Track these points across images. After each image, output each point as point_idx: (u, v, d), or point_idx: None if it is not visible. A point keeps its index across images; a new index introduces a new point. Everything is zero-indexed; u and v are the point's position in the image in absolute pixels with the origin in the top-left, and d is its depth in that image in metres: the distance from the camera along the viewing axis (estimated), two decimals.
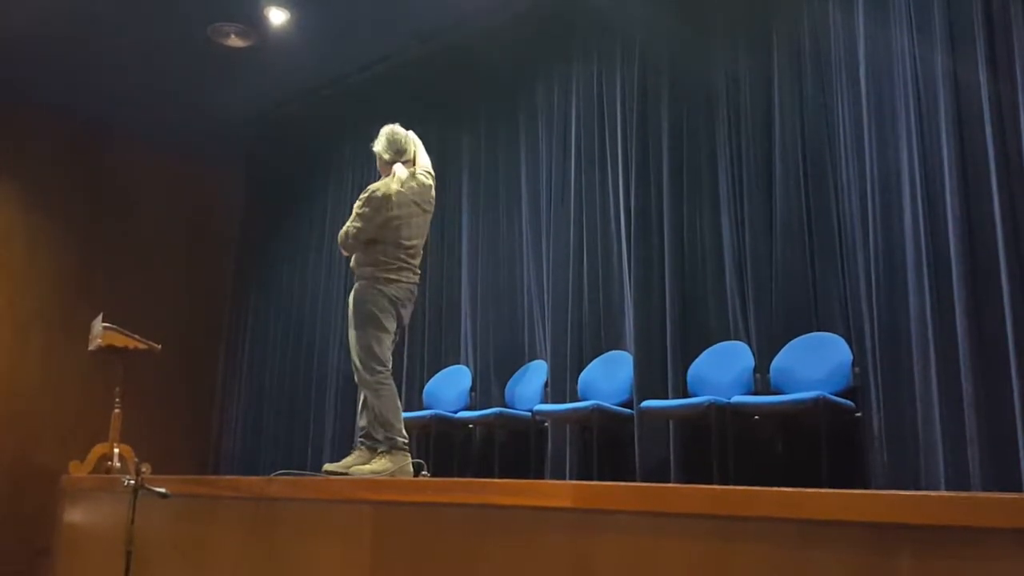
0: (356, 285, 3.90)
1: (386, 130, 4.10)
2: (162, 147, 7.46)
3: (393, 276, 3.88)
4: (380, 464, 3.68)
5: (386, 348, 3.87)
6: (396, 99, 6.27)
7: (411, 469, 3.78)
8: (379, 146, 4.07)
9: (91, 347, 5.67)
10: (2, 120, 6.78)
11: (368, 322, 3.82)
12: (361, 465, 3.72)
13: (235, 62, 6.33)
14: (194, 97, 6.86)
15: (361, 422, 3.87)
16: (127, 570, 3.30)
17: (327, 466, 3.85)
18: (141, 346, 5.53)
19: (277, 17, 5.79)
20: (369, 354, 3.80)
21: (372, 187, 3.95)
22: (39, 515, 5.65)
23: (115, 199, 7.33)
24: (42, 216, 6.96)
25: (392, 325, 3.89)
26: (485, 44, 5.86)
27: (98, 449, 5.49)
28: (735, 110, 4.71)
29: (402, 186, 3.93)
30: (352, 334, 3.86)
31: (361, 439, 3.86)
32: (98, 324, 5.55)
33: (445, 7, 5.68)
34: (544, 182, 5.51)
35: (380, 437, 3.75)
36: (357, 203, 3.92)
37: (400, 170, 3.99)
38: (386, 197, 3.88)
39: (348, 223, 3.91)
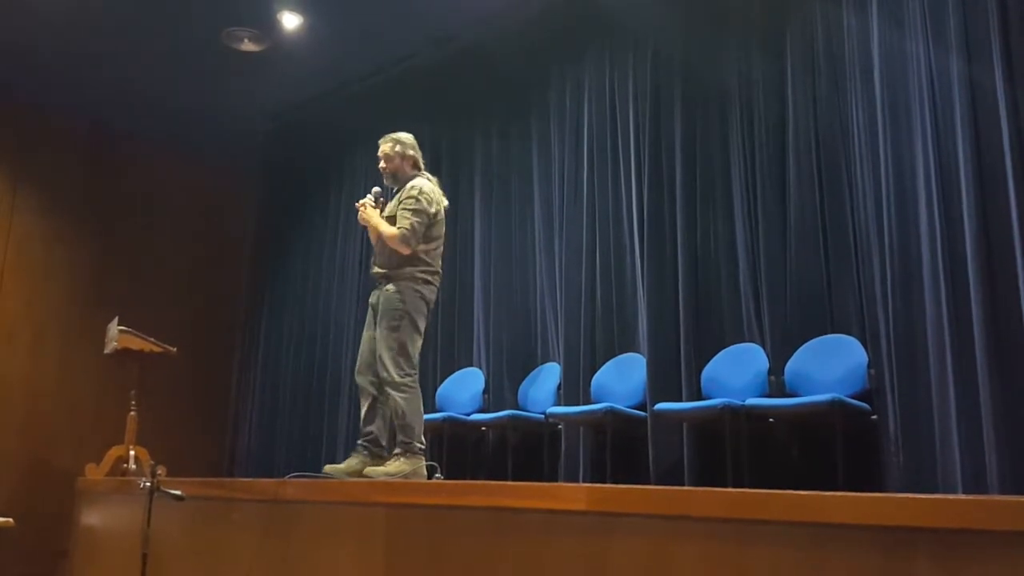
0: (392, 285, 3.87)
1: (399, 134, 4.13)
2: (176, 151, 7.51)
3: (430, 278, 3.95)
4: (395, 466, 3.68)
5: (417, 350, 3.89)
6: (409, 102, 6.28)
7: (425, 472, 3.78)
8: (400, 146, 4.06)
9: (107, 350, 5.70)
10: (19, 125, 6.84)
11: (406, 322, 3.83)
12: (375, 467, 3.72)
13: (249, 66, 6.36)
14: (208, 101, 6.90)
15: (370, 427, 3.88)
16: (143, 572, 3.32)
17: (328, 468, 3.86)
18: (156, 349, 5.55)
19: (290, 21, 5.82)
20: (403, 355, 3.81)
21: (414, 184, 3.97)
22: (56, 517, 5.68)
23: (130, 203, 7.38)
24: (58, 220, 7.02)
25: (423, 327, 3.93)
26: (497, 46, 5.87)
27: (114, 451, 5.51)
28: (748, 111, 4.70)
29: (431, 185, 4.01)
30: (384, 334, 3.81)
31: (366, 443, 3.86)
32: (114, 327, 5.58)
33: (458, 10, 5.69)
34: (556, 184, 5.51)
35: (398, 440, 3.75)
36: (408, 200, 3.90)
37: (422, 174, 4.07)
38: (432, 194, 3.95)
39: (404, 221, 3.85)
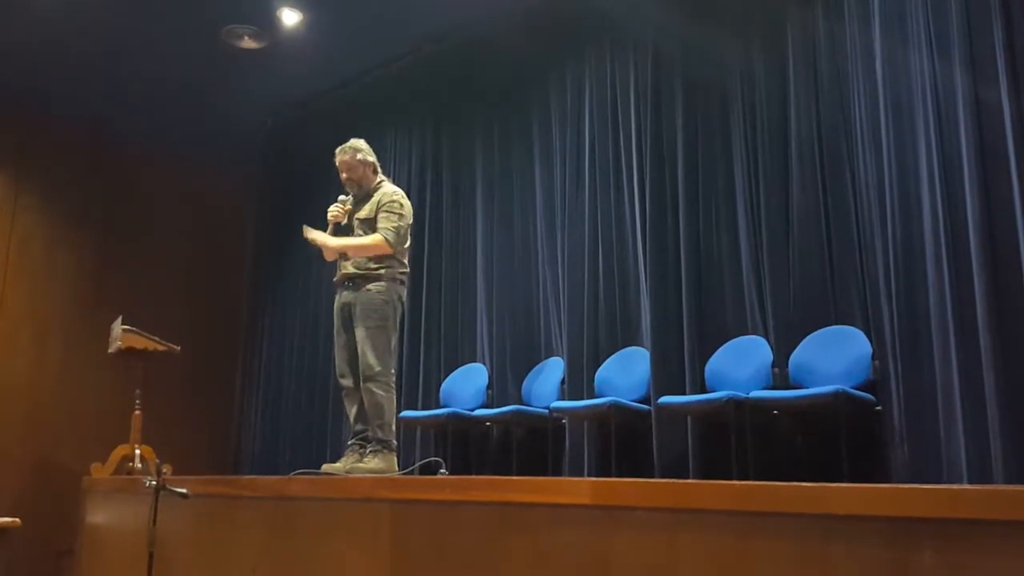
0: (373, 285, 3.96)
1: (355, 141, 4.23)
2: (177, 150, 7.51)
3: (404, 279, 4.10)
4: (375, 464, 3.79)
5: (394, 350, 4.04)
6: (410, 99, 6.28)
7: (396, 469, 3.91)
8: (360, 153, 4.17)
9: (111, 349, 5.72)
10: (20, 126, 6.84)
11: (389, 322, 3.96)
12: (360, 464, 3.80)
13: (249, 64, 6.36)
14: (209, 99, 6.90)
15: (362, 425, 3.95)
16: (149, 570, 3.32)
17: (325, 467, 3.91)
18: (160, 348, 5.57)
19: (290, 18, 5.81)
20: (388, 353, 3.93)
21: (389, 191, 4.13)
22: (62, 517, 5.69)
23: (132, 202, 7.39)
24: (60, 221, 7.03)
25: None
26: (499, 43, 5.86)
27: (119, 450, 5.53)
28: (750, 105, 4.69)
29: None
30: (369, 333, 3.90)
31: (360, 441, 3.95)
32: (117, 326, 5.59)
33: (457, 7, 5.68)
34: (559, 179, 5.50)
35: (376, 437, 3.85)
36: (392, 204, 4.05)
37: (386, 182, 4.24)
38: (405, 199, 4.14)
39: (390, 223, 3.99)
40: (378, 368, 3.85)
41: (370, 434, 3.88)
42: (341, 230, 4.15)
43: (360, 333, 3.91)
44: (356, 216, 4.12)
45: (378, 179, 4.21)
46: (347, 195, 4.20)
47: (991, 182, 3.69)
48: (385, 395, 3.87)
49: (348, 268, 4.04)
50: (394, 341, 4.01)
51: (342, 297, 4.05)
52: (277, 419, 6.94)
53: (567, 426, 4.98)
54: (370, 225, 4.04)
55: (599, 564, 2.37)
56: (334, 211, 4.11)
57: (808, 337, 4.21)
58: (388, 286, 3.97)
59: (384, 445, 3.84)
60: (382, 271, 3.97)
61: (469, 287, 5.87)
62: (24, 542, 5.61)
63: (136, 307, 6.23)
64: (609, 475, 4.51)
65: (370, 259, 4.00)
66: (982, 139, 3.75)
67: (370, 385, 3.84)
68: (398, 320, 4.06)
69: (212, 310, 7.55)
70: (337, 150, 4.21)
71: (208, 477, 4.52)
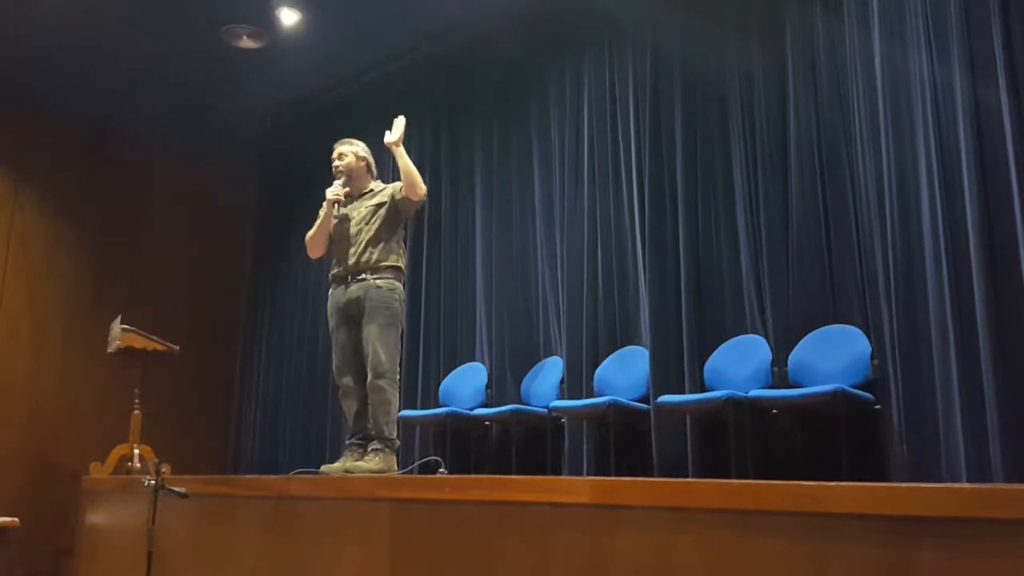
0: (383, 281, 3.90)
1: (357, 141, 4.22)
2: (176, 149, 7.50)
3: (404, 277, 4.08)
4: (381, 463, 3.76)
5: None
6: (410, 97, 6.26)
7: (396, 468, 3.88)
8: (362, 151, 4.17)
9: (110, 349, 5.71)
10: (19, 125, 6.83)
11: (398, 319, 3.95)
12: (360, 463, 3.78)
13: (248, 63, 6.35)
14: (208, 99, 6.89)
15: (363, 424, 3.92)
16: (148, 570, 3.32)
17: (324, 467, 3.89)
18: (159, 347, 5.57)
19: (289, 17, 5.81)
20: (396, 352, 3.92)
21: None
22: (61, 516, 5.69)
23: (131, 202, 7.38)
24: (59, 220, 7.02)
25: None
26: (497, 43, 5.86)
27: (118, 450, 5.53)
28: (749, 104, 4.69)
29: None
30: (380, 331, 3.84)
31: (360, 440, 3.92)
32: (116, 326, 5.58)
33: (456, 7, 5.68)
34: (557, 177, 5.50)
35: (379, 436, 3.82)
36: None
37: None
38: None
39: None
40: (388, 365, 3.82)
41: (374, 432, 3.84)
42: (340, 224, 4.06)
43: (372, 330, 3.84)
44: (366, 204, 4.04)
45: (373, 180, 4.18)
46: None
47: (990, 182, 3.69)
48: (393, 392, 3.84)
49: (357, 258, 3.93)
50: (399, 340, 3.99)
51: (346, 293, 3.94)
52: (276, 418, 6.93)
53: (566, 425, 4.98)
54: (383, 207, 3.99)
55: (598, 563, 2.37)
56: (336, 191, 4.03)
57: (807, 336, 4.21)
58: (396, 284, 3.94)
59: (388, 444, 3.81)
60: (390, 267, 3.94)
61: (468, 286, 5.86)
62: (23, 541, 5.60)
63: (135, 306, 6.23)
64: (608, 474, 4.51)
65: (381, 253, 3.94)
66: (981, 139, 3.75)
67: (380, 382, 3.80)
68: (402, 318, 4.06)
69: (211, 310, 7.54)
70: (341, 142, 4.20)
71: (207, 477, 4.52)
